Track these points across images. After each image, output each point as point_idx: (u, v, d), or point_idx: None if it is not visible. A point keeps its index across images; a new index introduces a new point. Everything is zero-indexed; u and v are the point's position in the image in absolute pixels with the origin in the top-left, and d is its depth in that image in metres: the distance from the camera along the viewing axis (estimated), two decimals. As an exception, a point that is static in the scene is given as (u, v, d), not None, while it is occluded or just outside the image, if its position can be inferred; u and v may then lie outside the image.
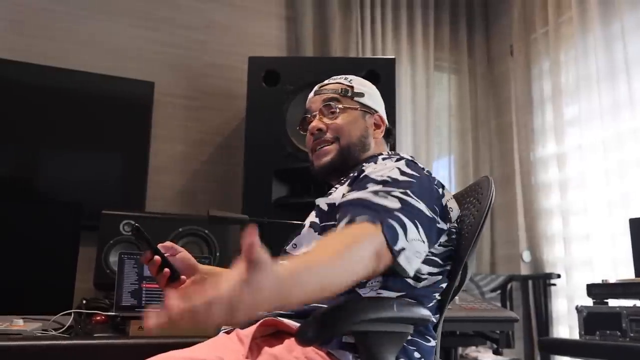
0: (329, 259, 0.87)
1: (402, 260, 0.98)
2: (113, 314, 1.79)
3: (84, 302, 1.99)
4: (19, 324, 1.69)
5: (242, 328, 1.12)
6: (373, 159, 1.27)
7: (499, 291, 3.15)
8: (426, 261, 1.11)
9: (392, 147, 1.46)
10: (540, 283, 3.18)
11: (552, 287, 3.18)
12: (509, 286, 3.16)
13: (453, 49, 3.61)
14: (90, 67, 2.71)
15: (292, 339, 1.02)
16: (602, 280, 2.42)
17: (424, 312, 1.07)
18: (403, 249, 0.99)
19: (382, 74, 2.39)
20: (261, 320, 1.07)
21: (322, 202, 1.22)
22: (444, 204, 1.17)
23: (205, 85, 3.00)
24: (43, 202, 2.44)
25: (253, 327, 1.08)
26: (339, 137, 1.31)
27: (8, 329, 1.65)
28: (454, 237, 1.20)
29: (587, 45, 2.99)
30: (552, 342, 2.75)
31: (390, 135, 1.42)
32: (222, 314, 0.68)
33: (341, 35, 3.23)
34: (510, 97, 3.57)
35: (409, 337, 1.07)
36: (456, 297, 1.99)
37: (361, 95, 1.36)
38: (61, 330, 1.76)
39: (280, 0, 3.24)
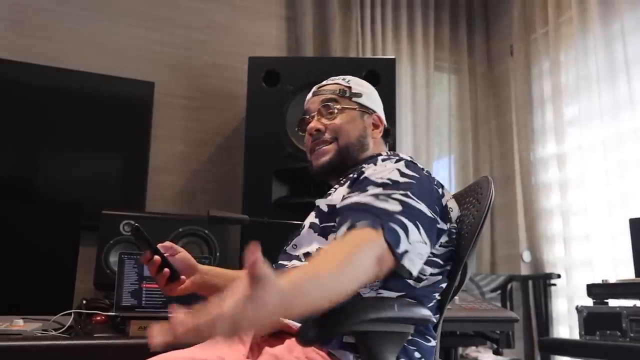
0: (331, 268, 0.88)
1: (406, 262, 0.99)
2: (113, 314, 1.79)
3: (84, 302, 1.99)
4: (19, 324, 1.69)
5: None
6: (372, 159, 1.27)
7: (499, 291, 3.15)
8: (428, 262, 1.11)
9: (391, 147, 1.46)
10: (541, 283, 3.18)
11: (552, 287, 3.18)
12: (509, 286, 3.16)
13: (453, 49, 3.61)
14: (90, 67, 2.71)
15: (293, 339, 1.02)
16: (602, 281, 2.42)
17: (425, 312, 1.07)
18: (406, 251, 1.00)
19: (382, 74, 2.39)
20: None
21: (322, 203, 1.22)
22: (444, 204, 1.17)
23: (205, 85, 3.00)
24: (43, 202, 2.44)
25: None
26: (338, 137, 1.31)
27: (8, 329, 1.65)
28: (454, 237, 1.20)
29: (587, 45, 2.99)
30: (552, 342, 2.75)
31: (388, 135, 1.43)
32: (226, 331, 0.70)
33: (341, 35, 3.23)
34: (510, 97, 3.56)
35: (409, 337, 1.07)
36: (456, 297, 1.99)
37: (359, 95, 1.36)
38: (61, 331, 1.76)
39: (280, 0, 3.24)
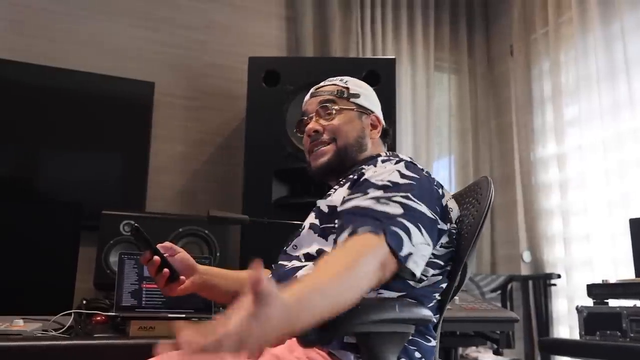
0: (334, 278, 0.88)
1: (410, 264, 1.00)
2: (113, 314, 1.79)
3: (84, 302, 1.99)
4: (19, 324, 1.69)
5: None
6: (372, 160, 1.27)
7: (499, 291, 3.15)
8: (429, 263, 1.11)
9: (391, 147, 1.46)
10: (541, 283, 3.18)
11: (553, 288, 3.18)
12: (509, 286, 3.16)
13: (453, 49, 3.61)
14: (90, 67, 2.71)
15: (294, 339, 1.02)
16: (602, 281, 2.42)
17: (426, 313, 1.07)
18: (410, 253, 1.00)
19: (382, 74, 2.39)
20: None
21: (322, 204, 1.22)
22: (444, 204, 1.17)
23: (205, 85, 3.00)
24: (43, 202, 2.44)
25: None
26: (336, 138, 1.32)
27: (8, 329, 1.65)
28: (454, 237, 1.20)
29: (587, 46, 2.99)
30: (553, 342, 2.75)
31: (387, 136, 1.43)
32: (232, 349, 0.70)
33: (341, 35, 3.23)
34: (510, 97, 3.56)
35: (410, 337, 1.07)
36: (456, 297, 1.99)
37: (357, 96, 1.37)
38: (61, 331, 1.76)
39: (280, 0, 3.24)
